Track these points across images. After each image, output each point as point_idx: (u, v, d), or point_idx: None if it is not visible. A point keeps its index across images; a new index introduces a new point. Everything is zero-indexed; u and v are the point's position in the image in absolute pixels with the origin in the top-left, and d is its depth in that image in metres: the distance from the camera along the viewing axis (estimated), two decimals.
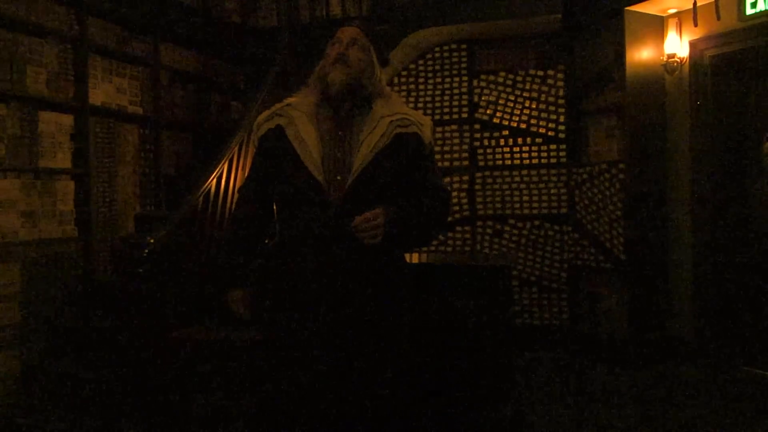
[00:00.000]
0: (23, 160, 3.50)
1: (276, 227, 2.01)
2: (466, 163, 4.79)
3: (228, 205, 3.86)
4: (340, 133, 1.91)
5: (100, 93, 4.03)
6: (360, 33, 1.96)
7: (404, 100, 4.75)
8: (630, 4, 4.09)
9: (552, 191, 4.63)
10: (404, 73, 4.92)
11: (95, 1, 3.93)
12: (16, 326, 3.40)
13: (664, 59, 4.19)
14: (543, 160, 4.65)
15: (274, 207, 2.03)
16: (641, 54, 4.21)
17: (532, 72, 4.72)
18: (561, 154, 4.62)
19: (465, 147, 4.81)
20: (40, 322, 3.52)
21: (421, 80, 4.92)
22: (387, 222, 1.80)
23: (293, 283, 1.89)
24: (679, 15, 4.14)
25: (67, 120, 3.80)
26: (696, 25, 3.95)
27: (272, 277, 1.95)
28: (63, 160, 3.75)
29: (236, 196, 4.00)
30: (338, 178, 1.86)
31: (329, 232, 1.83)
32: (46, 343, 3.54)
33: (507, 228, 4.71)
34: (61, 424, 3.15)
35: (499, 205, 4.74)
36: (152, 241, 3.22)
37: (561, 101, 4.63)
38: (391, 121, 1.90)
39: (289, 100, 2.01)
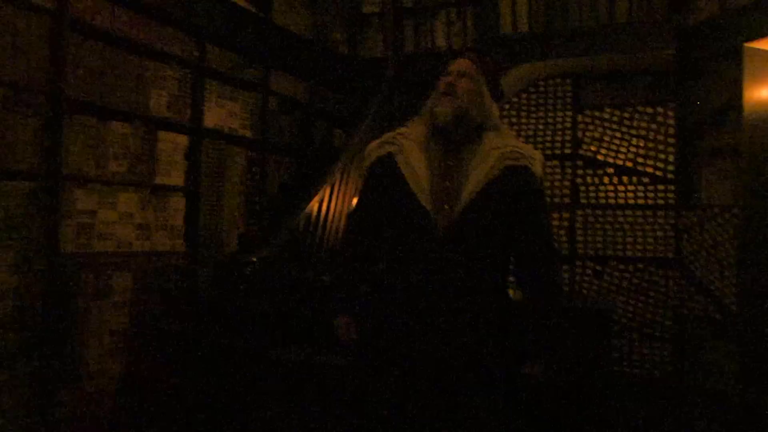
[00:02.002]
0: (142, 176, 3.71)
1: (383, 254, 2.03)
2: (567, 200, 4.68)
3: (328, 228, 3.95)
4: (449, 162, 1.92)
5: (213, 116, 4.24)
6: (470, 65, 1.98)
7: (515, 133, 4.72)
8: (749, 41, 3.89)
9: (658, 234, 4.43)
10: (507, 105, 4.89)
11: (214, 30, 4.15)
12: (125, 331, 3.57)
13: None
14: (650, 201, 4.47)
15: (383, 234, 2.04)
16: (761, 93, 3.98)
17: (640, 108, 4.56)
18: (669, 195, 4.42)
19: (567, 183, 4.69)
20: (145, 330, 3.69)
21: (523, 113, 4.87)
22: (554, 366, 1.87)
23: (397, 311, 1.89)
24: None
25: (183, 140, 4.01)
26: None
27: (378, 304, 1.96)
28: (177, 177, 3.95)
29: (336, 220, 4.13)
30: (446, 207, 1.86)
31: (436, 261, 1.83)
32: (149, 350, 3.70)
33: (608, 270, 4.54)
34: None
35: (600, 246, 4.57)
36: (255, 260, 3.33)
37: (671, 140, 4.44)
38: (502, 153, 1.90)
39: (401, 129, 2.04)
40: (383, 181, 1.97)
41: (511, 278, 2.02)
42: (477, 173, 1.87)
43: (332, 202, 4.05)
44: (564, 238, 4.64)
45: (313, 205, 3.82)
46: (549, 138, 4.76)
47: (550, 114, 4.79)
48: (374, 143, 2.06)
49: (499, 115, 2.03)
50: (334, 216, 4.08)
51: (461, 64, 1.99)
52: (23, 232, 3.06)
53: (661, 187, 4.45)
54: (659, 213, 4.43)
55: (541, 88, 4.83)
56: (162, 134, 3.86)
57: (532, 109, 4.85)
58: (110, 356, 3.49)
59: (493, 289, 1.90)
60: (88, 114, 3.42)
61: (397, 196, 1.92)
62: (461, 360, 1.82)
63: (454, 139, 1.94)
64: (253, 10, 4.62)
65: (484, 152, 1.91)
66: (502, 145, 1.92)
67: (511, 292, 2.02)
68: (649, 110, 4.53)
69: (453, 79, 1.95)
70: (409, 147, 1.95)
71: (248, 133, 4.55)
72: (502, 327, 1.90)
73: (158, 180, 3.82)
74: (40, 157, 3.16)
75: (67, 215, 3.27)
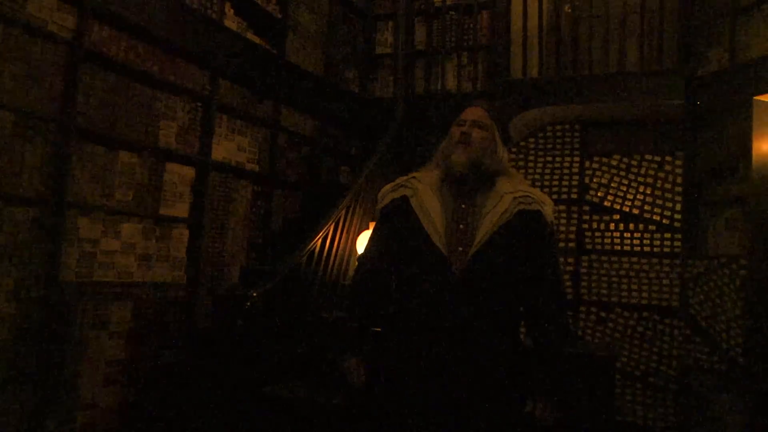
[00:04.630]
0: (147, 207, 3.71)
1: (394, 296, 2.03)
2: (572, 245, 4.65)
3: (331, 265, 3.93)
4: (463, 206, 1.96)
5: (221, 149, 4.26)
6: (484, 113, 2.03)
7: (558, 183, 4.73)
8: (759, 94, 3.91)
9: (663, 282, 4.39)
10: (515, 149, 4.90)
11: (227, 64, 4.21)
12: (121, 362, 3.53)
13: None
14: (656, 249, 4.44)
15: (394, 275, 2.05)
16: None
17: (648, 157, 4.57)
18: (675, 243, 4.39)
19: (572, 228, 4.67)
20: (142, 361, 3.65)
21: (531, 158, 4.88)
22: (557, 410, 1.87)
23: (411, 353, 1.89)
24: None
25: (190, 172, 4.02)
26: None
27: (388, 346, 1.97)
28: (182, 209, 3.96)
29: (339, 257, 4.11)
30: (460, 249, 1.89)
31: (450, 304, 1.85)
32: (145, 381, 3.65)
33: (612, 316, 4.48)
34: None
35: (605, 292, 4.53)
36: (255, 294, 3.30)
37: (678, 189, 4.43)
38: (514, 197, 1.94)
39: (414, 173, 2.08)
40: (397, 223, 2.01)
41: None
42: (490, 216, 1.91)
43: (336, 239, 4.04)
44: (569, 283, 4.59)
45: (317, 241, 3.80)
46: (556, 182, 4.76)
47: (557, 159, 4.81)
48: (388, 186, 2.10)
49: (508, 160, 2.09)
50: (337, 253, 4.07)
51: (474, 113, 2.03)
52: (24, 259, 3.05)
53: (667, 235, 4.42)
54: (665, 261, 4.40)
55: (549, 133, 4.85)
56: (169, 165, 3.87)
57: (540, 153, 4.86)
58: (105, 387, 3.44)
59: (506, 331, 1.92)
60: (97, 143, 3.44)
61: (411, 238, 1.95)
62: (474, 401, 1.83)
63: (468, 184, 1.98)
64: (267, 47, 4.68)
65: (496, 196, 1.95)
66: (514, 190, 1.97)
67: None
68: (657, 159, 4.54)
69: (467, 129, 1.99)
70: (423, 190, 1.99)
71: (255, 168, 4.57)
72: (513, 369, 1.92)
73: (163, 211, 3.82)
74: (46, 184, 3.17)
75: (69, 243, 3.26)
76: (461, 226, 1.93)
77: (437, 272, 1.88)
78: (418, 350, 1.87)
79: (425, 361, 1.85)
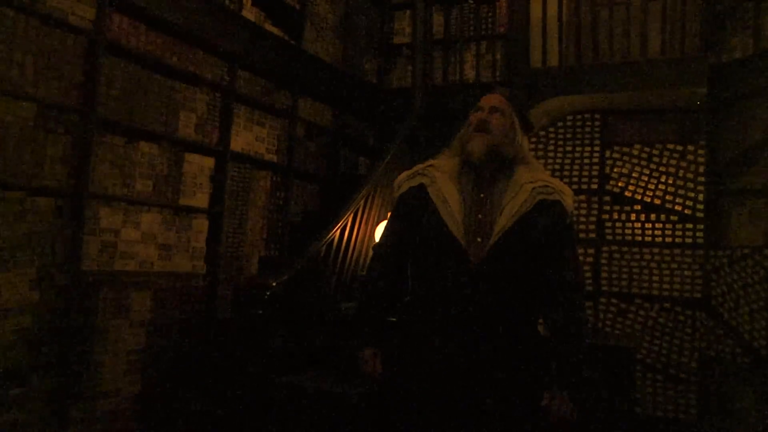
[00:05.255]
0: (166, 197, 3.74)
1: (410, 285, 2.00)
2: (593, 235, 4.61)
3: (350, 256, 3.92)
4: (481, 195, 1.93)
5: (240, 140, 4.27)
6: (502, 100, 1.99)
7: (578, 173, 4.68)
8: None
9: (685, 273, 4.33)
10: (534, 139, 4.86)
11: (245, 55, 4.21)
12: (142, 351, 3.57)
13: None
14: (677, 240, 4.39)
15: (410, 265, 2.02)
16: None
17: (669, 146, 4.51)
18: (698, 234, 4.33)
19: (593, 219, 4.63)
20: (162, 350, 3.68)
21: (551, 148, 4.83)
22: (575, 403, 1.83)
23: (425, 345, 1.87)
24: None
25: (209, 163, 4.04)
26: None
27: (404, 337, 1.95)
28: (201, 199, 3.98)
29: (358, 247, 4.10)
30: (478, 240, 1.86)
31: (468, 293, 1.82)
32: (164, 370, 3.68)
33: (633, 308, 4.44)
34: None
35: (625, 283, 4.49)
36: (274, 284, 3.31)
37: (700, 179, 4.37)
38: (534, 187, 1.90)
39: (432, 161, 2.04)
40: (414, 212, 1.97)
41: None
42: (510, 207, 1.87)
43: (354, 230, 4.04)
44: (588, 275, 4.55)
45: (335, 232, 3.80)
46: (576, 173, 4.72)
47: (578, 149, 4.76)
48: (405, 174, 2.06)
49: (528, 148, 2.04)
50: (356, 244, 4.07)
51: (493, 99, 2.00)
52: (46, 248, 3.09)
53: (689, 225, 4.37)
54: (687, 252, 4.34)
55: (569, 123, 4.80)
56: (189, 156, 3.89)
57: (560, 143, 4.82)
58: (126, 375, 3.48)
59: (524, 322, 1.90)
60: (117, 134, 3.47)
61: (428, 228, 1.91)
62: (491, 394, 1.81)
63: (487, 173, 1.95)
64: (285, 37, 4.68)
65: (516, 186, 1.91)
66: (534, 179, 1.93)
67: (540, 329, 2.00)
68: (679, 148, 4.47)
69: (485, 115, 1.96)
70: (441, 179, 1.95)
71: (274, 158, 4.58)
72: (532, 361, 1.89)
73: (183, 201, 3.84)
74: (68, 175, 3.20)
75: (90, 233, 3.29)
76: (480, 216, 1.89)
77: (455, 263, 1.85)
78: (434, 341, 1.85)
79: (442, 352, 1.83)
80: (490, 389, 1.81)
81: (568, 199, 1.94)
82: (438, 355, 1.84)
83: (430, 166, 2.01)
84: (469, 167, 1.96)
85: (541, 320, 1.99)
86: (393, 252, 2.04)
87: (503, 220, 1.86)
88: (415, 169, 2.04)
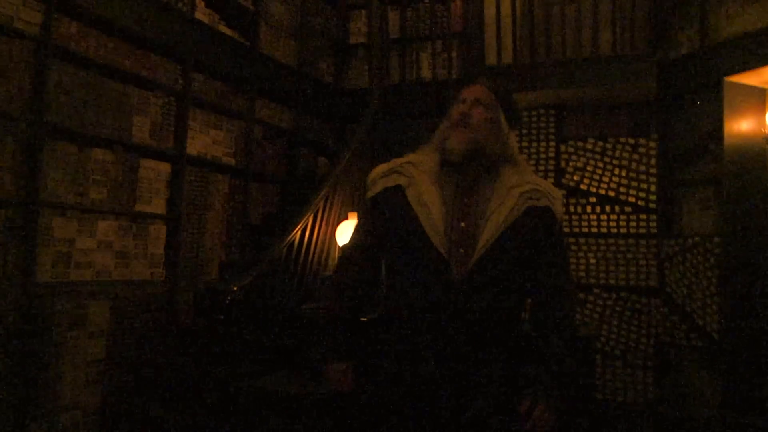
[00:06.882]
0: (122, 204, 3.67)
1: (387, 296, 1.83)
2: None
3: (311, 256, 3.92)
4: (465, 200, 1.75)
5: (197, 143, 4.22)
6: (486, 92, 1.80)
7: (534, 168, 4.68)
8: (729, 75, 3.96)
9: (641, 262, 4.44)
10: None
11: (199, 58, 4.16)
12: (101, 362, 3.50)
13: (766, 131, 4.01)
14: (632, 230, 4.49)
15: (383, 273, 1.87)
16: (740, 125, 4.04)
17: (622, 140, 4.61)
18: (651, 224, 4.45)
19: None
20: (122, 360, 3.62)
21: None
22: (556, 413, 1.70)
23: (404, 364, 1.72)
24: None
25: (165, 168, 3.98)
26: None
27: (379, 352, 1.79)
28: (158, 205, 3.92)
29: (319, 248, 4.10)
30: (461, 251, 1.69)
31: (449, 312, 1.67)
32: (125, 380, 3.63)
33: (591, 298, 4.54)
34: None
35: (583, 274, 4.58)
36: (235, 288, 3.29)
37: (653, 170, 4.48)
38: (522, 192, 1.74)
39: (409, 157, 1.85)
40: (390, 218, 1.78)
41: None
42: (496, 215, 1.71)
43: (315, 231, 4.04)
44: None
45: (296, 233, 3.79)
46: (532, 167, 4.79)
47: (533, 144, 4.83)
48: (380, 169, 1.86)
49: (516, 145, 1.86)
50: (317, 244, 4.06)
51: (475, 91, 1.80)
52: None
53: (643, 216, 4.48)
54: (641, 242, 4.45)
55: (525, 119, 4.87)
56: (144, 161, 3.83)
57: (516, 138, 4.87)
58: (87, 387, 3.42)
59: (509, 336, 1.75)
60: (69, 141, 3.39)
61: (406, 236, 1.73)
62: (478, 407, 1.69)
63: (470, 174, 1.77)
64: (240, 39, 4.64)
65: (502, 190, 1.74)
66: (522, 183, 1.76)
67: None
68: (631, 141, 4.58)
69: (467, 108, 1.77)
70: (420, 179, 1.76)
71: (232, 161, 4.54)
72: (516, 371, 1.77)
73: (139, 207, 3.78)
74: (18, 185, 3.12)
75: (44, 243, 3.22)
76: (463, 224, 1.71)
77: (435, 276, 1.68)
78: (414, 356, 1.70)
79: (426, 368, 1.68)
80: (480, 403, 1.68)
81: (558, 204, 1.80)
82: (423, 372, 1.68)
83: (408, 162, 1.82)
84: (451, 166, 1.78)
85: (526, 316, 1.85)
86: (364, 258, 1.87)
87: (489, 231, 1.69)
88: (390, 165, 1.84)
